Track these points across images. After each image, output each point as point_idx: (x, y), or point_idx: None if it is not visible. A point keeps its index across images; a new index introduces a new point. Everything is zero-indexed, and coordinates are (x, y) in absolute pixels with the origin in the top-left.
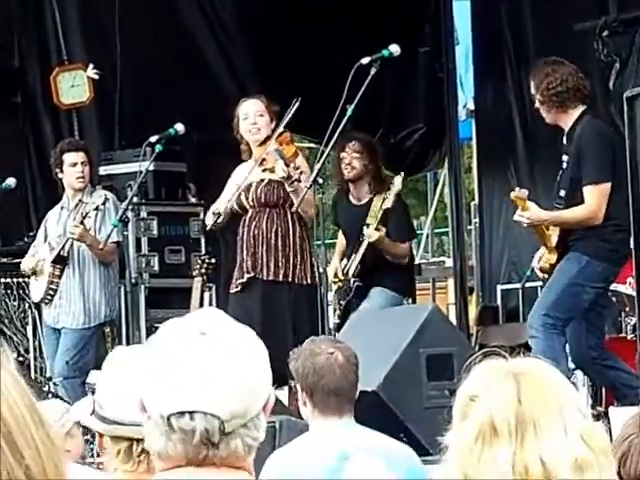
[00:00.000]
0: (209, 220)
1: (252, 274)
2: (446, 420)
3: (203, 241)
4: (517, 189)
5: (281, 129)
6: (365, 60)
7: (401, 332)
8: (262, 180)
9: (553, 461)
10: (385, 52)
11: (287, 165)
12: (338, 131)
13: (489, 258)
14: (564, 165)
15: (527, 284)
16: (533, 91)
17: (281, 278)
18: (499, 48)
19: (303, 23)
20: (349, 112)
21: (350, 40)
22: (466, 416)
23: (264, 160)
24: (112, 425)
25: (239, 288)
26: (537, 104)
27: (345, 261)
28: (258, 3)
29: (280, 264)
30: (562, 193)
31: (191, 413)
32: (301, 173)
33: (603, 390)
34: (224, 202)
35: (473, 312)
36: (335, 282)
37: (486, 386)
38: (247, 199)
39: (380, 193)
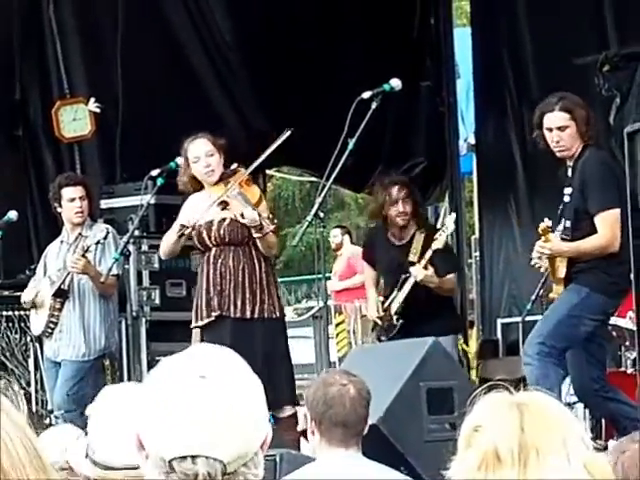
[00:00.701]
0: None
1: (219, 312)
2: (447, 453)
3: None
4: (546, 219)
5: (242, 171)
6: (366, 94)
7: (402, 366)
8: (224, 219)
9: None
10: (386, 86)
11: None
12: (339, 165)
13: (489, 292)
14: (566, 198)
15: (527, 318)
16: (580, 124)
17: (248, 315)
18: (500, 82)
19: (305, 57)
20: (350, 146)
21: (351, 74)
22: (470, 445)
23: (226, 203)
24: (104, 470)
25: (203, 323)
26: (576, 134)
27: (380, 298)
28: (260, 36)
29: (247, 301)
30: (567, 224)
31: (193, 457)
32: (268, 218)
33: (603, 424)
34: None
35: (474, 346)
36: (376, 318)
37: (490, 416)
38: (209, 237)
39: (421, 229)
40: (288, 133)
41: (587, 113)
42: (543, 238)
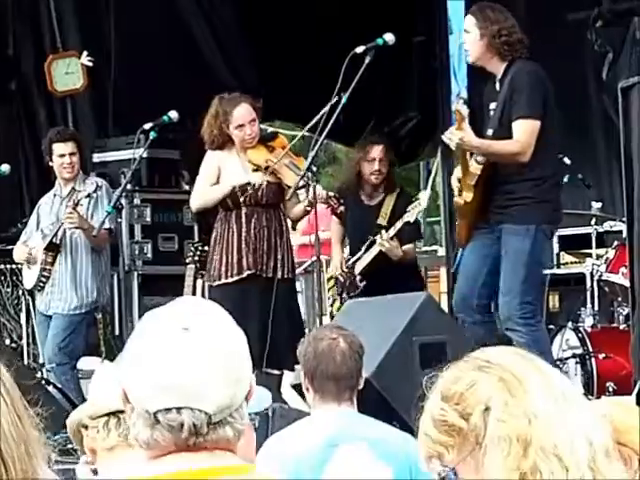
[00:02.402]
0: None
1: (253, 271)
2: None
3: (196, 228)
4: (460, 102)
5: (282, 137)
6: (360, 49)
7: (394, 320)
8: (262, 182)
9: None
10: (380, 41)
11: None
12: (332, 119)
13: None
14: (491, 113)
15: None
16: (474, 28)
17: (280, 275)
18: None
19: (298, 14)
20: (343, 100)
21: (344, 28)
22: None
23: (271, 168)
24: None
25: (233, 280)
26: (474, 40)
27: (345, 255)
28: None
29: (279, 262)
30: (489, 132)
31: (178, 409)
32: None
33: (595, 380)
34: (212, 187)
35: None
36: (339, 274)
37: (465, 382)
38: (245, 198)
39: (391, 193)
40: (344, 100)
41: (498, 28)
42: (457, 124)
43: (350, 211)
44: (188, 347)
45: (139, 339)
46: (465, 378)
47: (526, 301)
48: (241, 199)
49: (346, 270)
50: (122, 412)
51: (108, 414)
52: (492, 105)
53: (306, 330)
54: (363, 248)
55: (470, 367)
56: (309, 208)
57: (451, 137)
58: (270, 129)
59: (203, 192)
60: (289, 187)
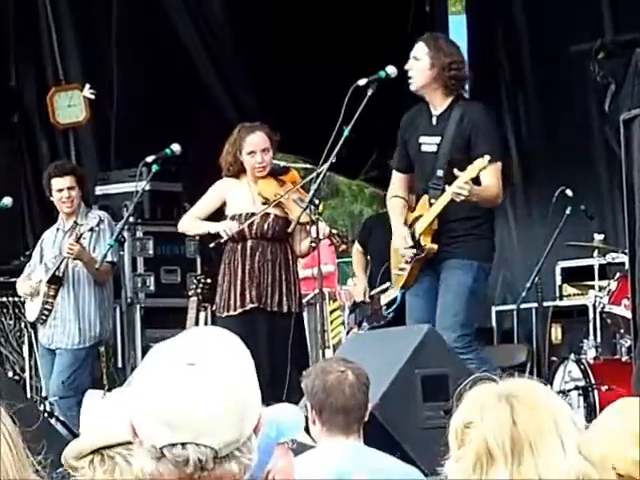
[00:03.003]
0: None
1: (256, 304)
2: (442, 440)
3: (199, 261)
4: (487, 157)
5: (294, 172)
6: (362, 81)
7: (397, 352)
8: (267, 214)
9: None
10: (382, 73)
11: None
12: (334, 152)
13: None
14: (432, 148)
15: (522, 305)
16: (425, 57)
17: (285, 309)
18: (495, 70)
19: (301, 44)
20: (346, 133)
21: (347, 60)
22: (463, 443)
23: (276, 201)
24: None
25: (237, 312)
26: (423, 68)
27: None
28: (256, 22)
29: (284, 295)
30: (440, 173)
31: (183, 444)
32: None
33: (597, 409)
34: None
35: None
36: (362, 302)
37: (480, 411)
38: (250, 230)
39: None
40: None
41: (450, 61)
42: (471, 176)
43: (376, 244)
44: (194, 382)
45: (145, 374)
46: None
47: (464, 333)
48: (246, 232)
49: (369, 300)
50: (105, 448)
51: (92, 452)
52: (425, 139)
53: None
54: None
55: None
56: (314, 244)
57: (461, 191)
58: (282, 163)
59: (192, 220)
60: (299, 223)
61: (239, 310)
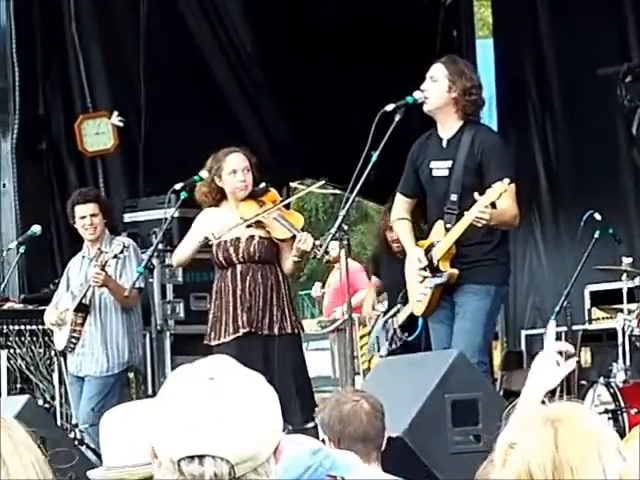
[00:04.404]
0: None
1: (248, 329)
2: (472, 465)
3: None
4: (506, 180)
5: (273, 190)
6: (389, 107)
7: (426, 377)
8: (252, 236)
9: None
10: (409, 99)
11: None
12: (363, 177)
13: (514, 303)
14: (443, 172)
15: None
16: (444, 79)
17: (276, 332)
18: (523, 93)
19: (328, 69)
20: (374, 158)
21: (374, 86)
22: (506, 463)
23: (260, 223)
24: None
25: (230, 339)
26: (441, 90)
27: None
28: (282, 49)
29: (275, 318)
30: (454, 198)
31: (200, 458)
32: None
33: (627, 432)
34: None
35: (498, 357)
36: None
37: (524, 433)
38: (237, 254)
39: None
40: (322, 182)
41: (470, 85)
42: (494, 199)
43: (386, 268)
44: (212, 395)
45: (165, 391)
46: None
47: (482, 361)
48: (233, 256)
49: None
50: None
51: None
52: (436, 164)
53: (331, 387)
54: (402, 301)
55: None
56: (296, 259)
57: (483, 216)
58: (262, 184)
59: (181, 247)
60: (280, 240)
61: (232, 336)
